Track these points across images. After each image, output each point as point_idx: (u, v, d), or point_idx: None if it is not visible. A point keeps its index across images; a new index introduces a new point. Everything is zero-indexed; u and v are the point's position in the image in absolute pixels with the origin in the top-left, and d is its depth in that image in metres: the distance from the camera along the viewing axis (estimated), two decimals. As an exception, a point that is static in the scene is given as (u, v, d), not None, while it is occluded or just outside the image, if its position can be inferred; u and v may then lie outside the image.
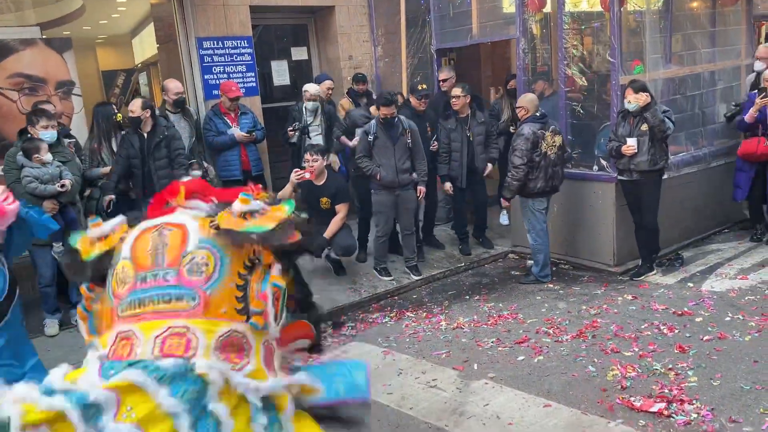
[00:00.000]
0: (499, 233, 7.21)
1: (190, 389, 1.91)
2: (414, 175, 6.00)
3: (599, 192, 6.00)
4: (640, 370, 4.00)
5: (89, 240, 2.21)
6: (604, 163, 6.01)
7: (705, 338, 4.36)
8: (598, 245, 6.09)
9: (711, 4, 6.99)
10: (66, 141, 5.57)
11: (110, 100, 8.07)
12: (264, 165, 6.92)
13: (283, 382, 2.13)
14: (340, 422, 2.33)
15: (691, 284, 5.46)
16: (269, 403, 2.06)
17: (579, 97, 6.23)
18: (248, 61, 7.18)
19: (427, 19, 7.35)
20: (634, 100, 5.34)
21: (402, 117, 5.96)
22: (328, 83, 7.05)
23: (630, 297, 5.28)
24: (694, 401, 3.58)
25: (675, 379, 3.86)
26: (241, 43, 7.11)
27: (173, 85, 6.25)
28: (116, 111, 6.15)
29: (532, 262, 6.05)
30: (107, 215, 4.29)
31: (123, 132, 5.81)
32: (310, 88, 6.67)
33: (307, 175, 5.79)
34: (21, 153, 4.98)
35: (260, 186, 2.37)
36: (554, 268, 6.10)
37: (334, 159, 6.63)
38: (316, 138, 6.66)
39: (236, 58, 7.09)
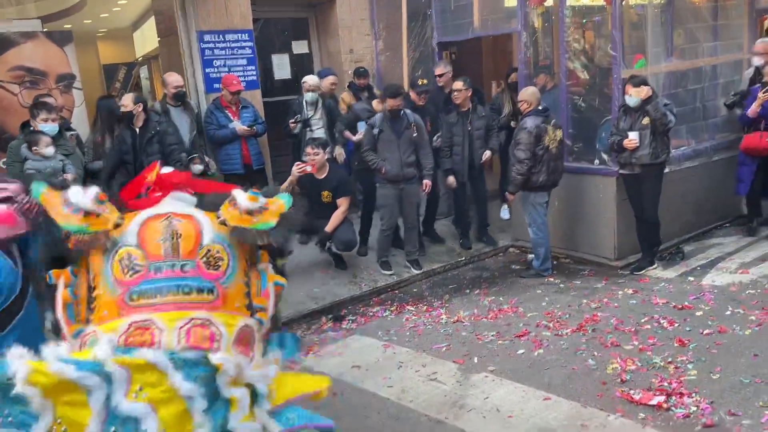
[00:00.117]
0: (500, 227, 7.21)
1: (202, 374, 1.92)
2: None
3: (600, 186, 5.99)
4: (639, 364, 4.00)
5: (65, 201, 2.10)
6: (605, 157, 6.00)
7: (705, 332, 4.36)
8: (599, 239, 6.09)
9: (713, -2, 6.98)
10: (67, 134, 5.57)
11: (111, 93, 8.09)
12: (265, 159, 6.92)
13: (271, 372, 2.15)
14: None
15: (691, 278, 5.46)
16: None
17: (580, 90, 6.23)
18: (249, 54, 7.17)
19: (428, 13, 7.33)
20: (635, 94, 5.33)
21: (408, 111, 5.95)
22: (331, 78, 7.04)
23: (630, 291, 5.28)
24: (693, 394, 3.58)
25: (675, 372, 3.86)
26: (242, 37, 7.10)
27: (173, 79, 6.24)
28: (120, 104, 6.15)
29: (533, 256, 6.05)
30: None
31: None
32: (309, 79, 6.67)
33: (309, 169, 5.80)
34: (25, 145, 4.98)
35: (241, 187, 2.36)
36: (555, 262, 6.10)
37: (339, 152, 6.62)
38: (318, 131, 6.66)
39: (237, 51, 7.09)
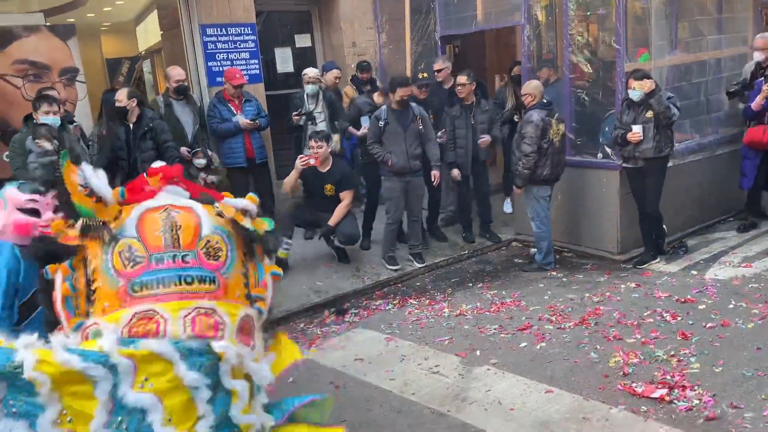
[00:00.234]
0: (503, 221, 7.21)
1: (205, 363, 1.94)
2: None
3: (603, 180, 5.98)
4: (642, 357, 4.00)
5: (81, 189, 2.13)
6: (608, 150, 5.99)
7: (708, 325, 4.36)
8: (602, 233, 6.08)
9: (718, -9, 6.94)
10: (70, 126, 5.57)
11: (115, 87, 8.07)
12: (268, 153, 6.92)
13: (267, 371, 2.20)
14: None
15: (694, 272, 5.45)
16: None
17: (584, 84, 6.20)
18: (252, 48, 7.17)
19: (431, 6, 7.31)
20: (638, 87, 5.30)
21: (413, 104, 5.94)
22: (335, 72, 7.03)
23: (633, 285, 5.28)
24: (695, 387, 3.58)
25: (677, 365, 3.87)
26: (244, 30, 7.09)
27: (175, 72, 6.24)
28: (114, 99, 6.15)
29: (536, 250, 6.05)
30: None
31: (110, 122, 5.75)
32: (309, 71, 6.65)
33: (312, 161, 5.80)
34: (30, 138, 4.97)
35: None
36: (558, 256, 6.10)
37: (336, 139, 6.57)
38: (320, 124, 6.65)
39: (240, 45, 7.08)
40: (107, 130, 5.74)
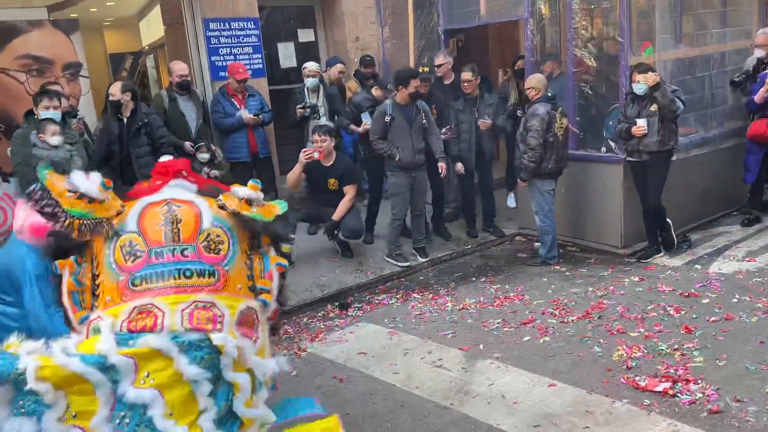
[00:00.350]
0: (506, 216, 7.20)
1: (205, 357, 1.95)
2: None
3: (607, 174, 5.97)
4: (645, 351, 4.00)
5: (69, 188, 2.14)
6: (612, 144, 5.97)
7: (711, 319, 4.36)
8: (606, 227, 6.07)
9: (722, -16, 6.90)
10: (74, 120, 5.57)
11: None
12: (271, 147, 6.92)
13: (275, 366, 2.21)
14: None
15: (698, 266, 5.44)
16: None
17: (588, 78, 6.18)
18: (255, 42, 7.16)
19: (434, 0, 7.29)
20: (643, 80, 5.28)
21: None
22: (339, 67, 7.02)
23: (637, 279, 5.27)
24: (699, 381, 3.58)
25: (680, 359, 3.86)
26: (247, 25, 7.09)
27: (178, 67, 6.23)
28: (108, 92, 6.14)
29: (539, 244, 6.05)
30: None
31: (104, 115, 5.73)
32: (310, 65, 6.65)
33: (316, 155, 5.80)
34: (35, 132, 4.96)
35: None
36: (561, 251, 6.09)
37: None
38: (323, 118, 6.64)
39: (243, 39, 7.07)
40: (102, 124, 5.71)
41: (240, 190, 2.27)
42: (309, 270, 5.86)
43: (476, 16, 6.94)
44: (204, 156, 6.18)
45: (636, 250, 5.93)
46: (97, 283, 2.12)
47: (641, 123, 5.38)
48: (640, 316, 4.51)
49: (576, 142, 6.17)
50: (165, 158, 2.49)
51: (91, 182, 2.15)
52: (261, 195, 2.31)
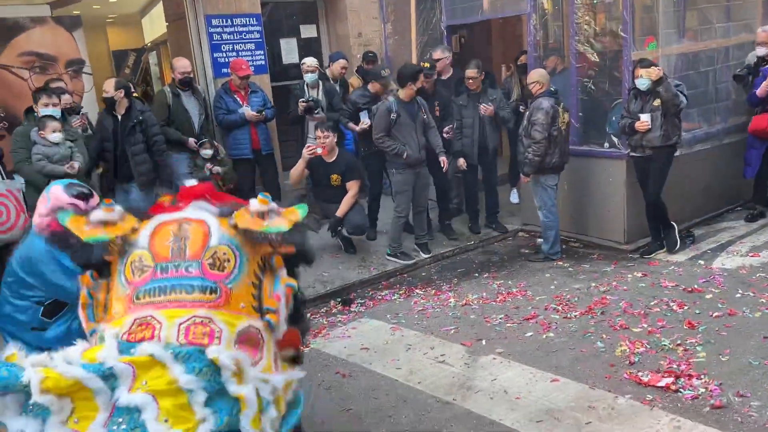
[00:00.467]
0: (509, 211, 7.20)
1: (204, 369, 1.96)
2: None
3: (610, 169, 5.95)
4: (648, 346, 4.00)
5: (87, 221, 2.23)
6: (615, 140, 5.96)
7: (714, 315, 4.35)
8: (609, 223, 6.06)
9: (726, -22, 6.86)
10: (77, 117, 5.58)
11: (121, 79, 8.08)
12: (274, 144, 6.92)
13: (281, 378, 2.19)
14: None
15: (701, 262, 5.43)
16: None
17: (590, 73, 6.16)
18: (257, 38, 7.16)
19: (437, -5, 7.28)
20: (646, 75, 5.26)
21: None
22: (342, 62, 7.01)
23: (640, 274, 5.26)
24: (702, 376, 3.58)
25: (683, 354, 3.86)
26: (250, 21, 7.09)
27: (180, 64, 6.23)
28: (132, 90, 6.16)
29: (542, 240, 6.04)
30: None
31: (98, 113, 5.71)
32: (308, 60, 6.63)
33: (319, 151, 5.80)
34: (35, 129, 4.97)
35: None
36: (564, 246, 6.09)
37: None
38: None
39: (245, 36, 7.07)
40: (96, 121, 5.68)
41: (252, 206, 2.29)
42: (312, 266, 5.84)
43: (479, 11, 6.93)
44: (207, 152, 6.19)
45: (639, 246, 5.92)
46: (109, 296, 2.20)
47: (645, 118, 5.36)
48: (643, 312, 4.51)
49: (579, 137, 6.15)
50: (190, 183, 2.53)
51: (96, 210, 2.24)
52: (274, 205, 2.31)
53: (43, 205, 2.81)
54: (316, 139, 5.91)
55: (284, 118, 6.94)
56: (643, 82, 5.31)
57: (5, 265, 4.57)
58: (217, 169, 6.28)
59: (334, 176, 5.90)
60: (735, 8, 6.85)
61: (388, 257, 6.09)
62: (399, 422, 3.51)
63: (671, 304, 4.58)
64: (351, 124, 6.42)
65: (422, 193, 6.07)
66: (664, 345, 3.99)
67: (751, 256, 5.39)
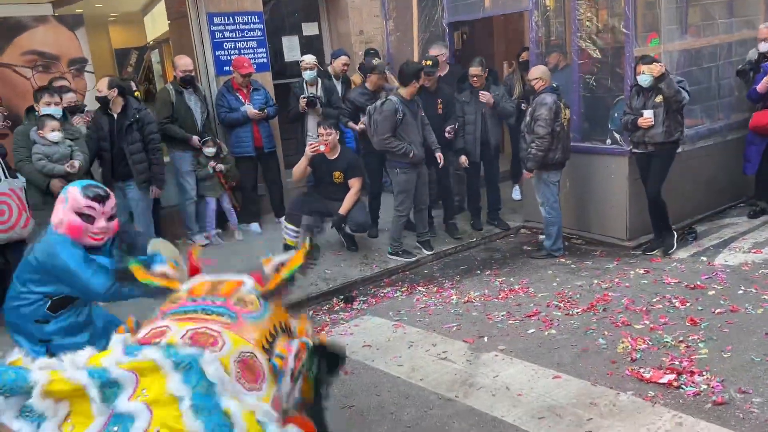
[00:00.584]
0: (511, 208, 7.20)
1: (202, 382, 1.98)
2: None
3: (612, 166, 5.95)
4: (650, 343, 4.00)
5: (146, 271, 2.50)
6: (617, 136, 5.95)
7: (717, 311, 4.35)
8: (611, 220, 6.06)
9: (729, -26, 6.84)
10: (79, 115, 5.58)
11: (123, 77, 8.09)
12: (276, 142, 6.93)
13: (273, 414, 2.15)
14: None
15: (704, 258, 5.42)
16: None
17: (593, 70, 6.15)
18: (259, 36, 7.16)
19: (438, -8, 7.27)
20: (647, 71, 5.25)
21: None
22: (343, 59, 7.01)
23: (642, 271, 5.26)
24: (704, 373, 3.58)
25: (685, 351, 3.86)
26: (251, 19, 7.09)
27: (182, 62, 6.24)
28: (135, 88, 6.17)
29: (544, 237, 6.04)
30: None
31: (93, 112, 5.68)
32: (307, 57, 6.64)
33: (322, 148, 5.81)
34: (35, 129, 4.98)
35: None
36: (566, 243, 6.08)
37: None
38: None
39: (247, 33, 7.07)
40: (91, 120, 5.64)
41: (266, 269, 2.49)
42: (314, 263, 5.86)
43: (480, 8, 6.92)
44: (210, 150, 6.21)
45: (641, 243, 5.91)
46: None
47: (648, 114, 5.35)
48: (645, 309, 4.51)
49: (581, 134, 6.14)
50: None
51: (165, 268, 2.54)
52: (282, 256, 2.51)
53: (62, 205, 2.90)
54: (318, 136, 5.91)
55: (284, 116, 6.94)
56: (644, 79, 5.30)
57: (7, 261, 4.60)
58: (220, 167, 6.30)
59: (337, 173, 5.90)
60: (737, 4, 6.83)
61: (390, 256, 6.09)
62: (401, 419, 3.52)
63: (673, 300, 4.58)
64: (351, 123, 6.42)
65: (423, 190, 6.07)
66: (666, 341, 4.00)
67: (754, 253, 5.38)
